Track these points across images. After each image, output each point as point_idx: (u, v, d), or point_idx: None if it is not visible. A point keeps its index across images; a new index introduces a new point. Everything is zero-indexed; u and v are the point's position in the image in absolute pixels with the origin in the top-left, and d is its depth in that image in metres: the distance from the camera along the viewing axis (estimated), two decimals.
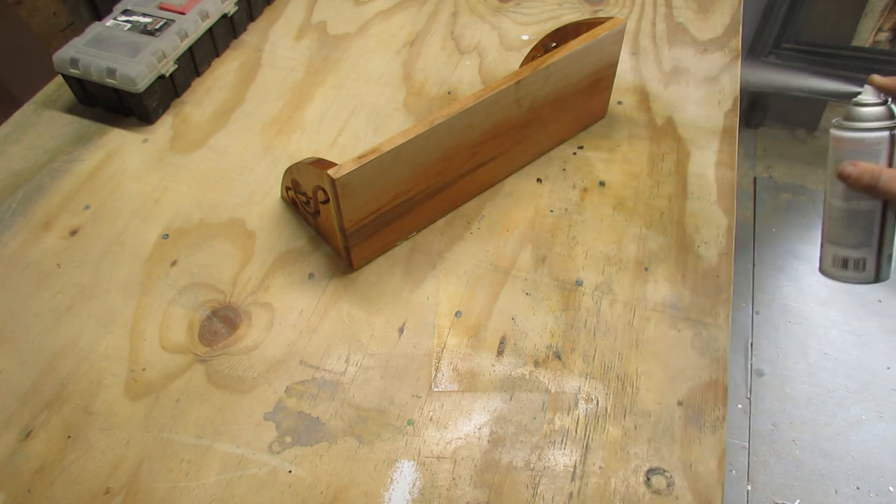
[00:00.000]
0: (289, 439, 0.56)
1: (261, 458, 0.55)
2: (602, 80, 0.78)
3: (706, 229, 0.72)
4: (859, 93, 0.53)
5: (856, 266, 0.54)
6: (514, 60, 0.92)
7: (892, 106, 0.51)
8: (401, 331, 0.64)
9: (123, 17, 0.84)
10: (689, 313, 0.65)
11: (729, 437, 0.81)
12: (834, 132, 0.53)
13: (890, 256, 0.54)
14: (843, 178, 0.52)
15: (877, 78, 0.52)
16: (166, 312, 0.64)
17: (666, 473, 0.54)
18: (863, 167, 0.51)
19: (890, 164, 0.51)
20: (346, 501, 0.53)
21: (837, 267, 0.55)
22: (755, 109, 1.98)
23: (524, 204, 0.74)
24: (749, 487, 1.33)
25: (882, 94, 0.52)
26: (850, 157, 0.52)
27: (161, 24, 0.83)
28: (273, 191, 0.76)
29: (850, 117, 0.52)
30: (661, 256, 0.69)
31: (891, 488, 1.32)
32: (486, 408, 0.58)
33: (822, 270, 0.57)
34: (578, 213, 0.73)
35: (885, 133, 0.51)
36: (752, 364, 1.51)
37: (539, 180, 0.77)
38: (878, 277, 0.54)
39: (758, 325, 1.57)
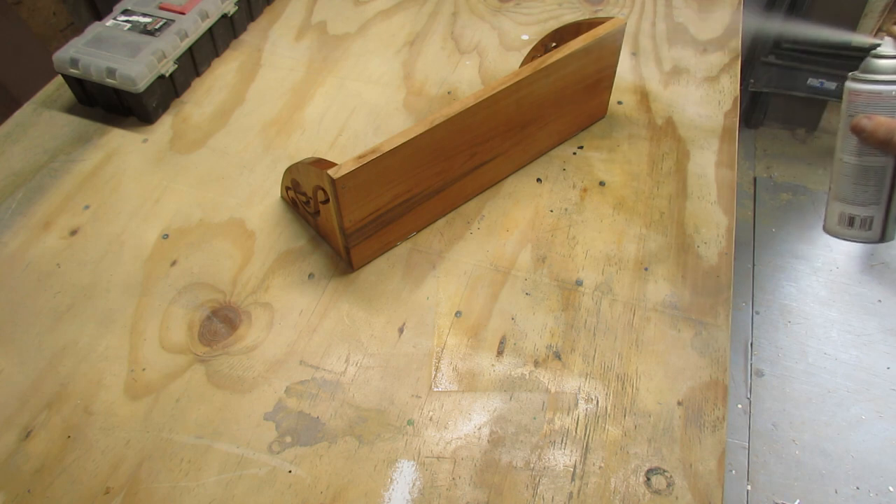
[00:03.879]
0: (289, 439, 0.56)
1: (261, 458, 0.55)
2: (602, 80, 0.78)
3: (706, 229, 0.72)
4: (879, 45, 0.50)
5: (862, 224, 0.52)
6: (514, 60, 0.92)
7: None
8: (401, 331, 0.64)
9: (123, 17, 0.84)
10: (689, 313, 0.65)
11: (729, 437, 0.81)
12: (850, 84, 0.51)
13: None
14: (857, 131, 0.49)
15: None
16: (166, 312, 0.64)
17: (666, 473, 0.54)
18: (878, 121, 0.49)
19: None
20: (346, 501, 0.53)
21: (843, 225, 0.53)
22: (755, 109, 1.98)
23: (524, 204, 0.74)
24: (749, 487, 1.33)
25: None
26: (866, 111, 0.50)
27: (161, 24, 0.83)
28: (273, 191, 0.76)
29: (867, 69, 0.50)
30: (661, 256, 0.69)
31: (891, 488, 1.32)
32: (486, 408, 0.58)
33: (826, 229, 0.54)
34: (578, 213, 0.73)
35: None
36: (752, 364, 1.51)
37: (539, 180, 0.77)
38: (883, 237, 0.52)
39: (758, 325, 1.57)
